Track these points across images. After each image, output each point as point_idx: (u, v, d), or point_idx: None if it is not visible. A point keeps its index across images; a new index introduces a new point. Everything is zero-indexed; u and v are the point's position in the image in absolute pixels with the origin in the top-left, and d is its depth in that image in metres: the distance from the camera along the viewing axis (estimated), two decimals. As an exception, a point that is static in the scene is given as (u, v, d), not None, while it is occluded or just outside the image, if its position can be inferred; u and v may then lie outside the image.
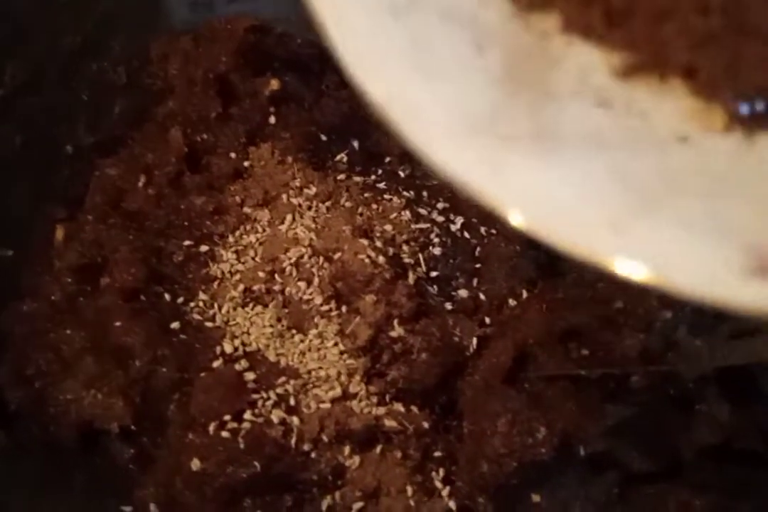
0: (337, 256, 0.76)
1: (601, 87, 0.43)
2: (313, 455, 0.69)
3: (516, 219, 0.39)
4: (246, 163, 0.86)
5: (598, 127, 0.42)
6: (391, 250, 0.78)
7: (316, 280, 0.75)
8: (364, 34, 0.43)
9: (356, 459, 0.70)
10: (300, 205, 0.82)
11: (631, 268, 0.37)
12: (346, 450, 0.70)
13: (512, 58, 0.44)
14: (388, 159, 0.94)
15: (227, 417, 0.69)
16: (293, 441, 0.69)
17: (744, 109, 0.41)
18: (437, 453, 0.71)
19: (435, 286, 0.80)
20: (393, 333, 0.73)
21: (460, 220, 0.86)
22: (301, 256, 0.77)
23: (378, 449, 0.70)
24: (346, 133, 0.92)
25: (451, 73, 0.43)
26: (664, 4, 0.43)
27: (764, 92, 0.41)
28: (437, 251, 0.83)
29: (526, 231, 0.38)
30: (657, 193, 0.40)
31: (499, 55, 0.44)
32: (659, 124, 0.42)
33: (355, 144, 0.92)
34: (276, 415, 0.69)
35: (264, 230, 0.81)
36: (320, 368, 0.72)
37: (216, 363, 0.72)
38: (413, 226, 0.84)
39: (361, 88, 0.41)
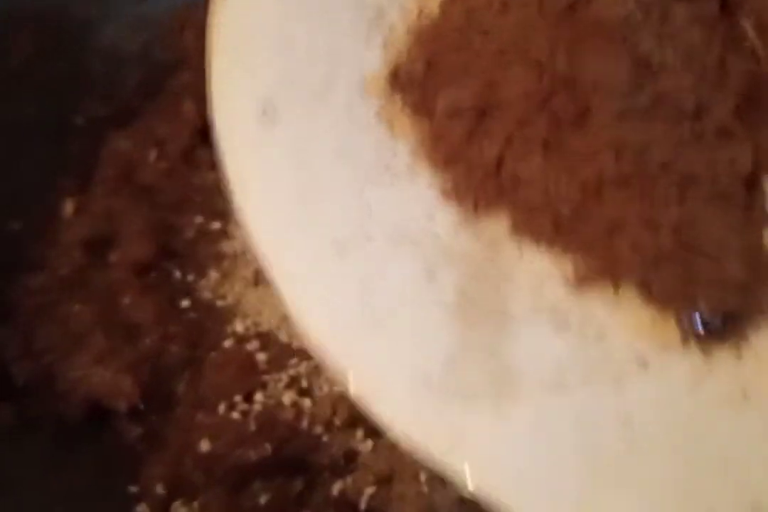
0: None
1: (555, 303, 0.42)
2: (325, 438, 0.68)
3: (470, 485, 0.39)
4: (260, 139, 0.84)
5: (558, 361, 0.41)
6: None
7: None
8: (310, 288, 0.42)
9: (369, 443, 0.68)
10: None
11: None
12: (359, 434, 0.68)
13: (464, 279, 0.42)
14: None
15: (238, 398, 0.68)
16: (305, 423, 0.67)
17: (698, 324, 0.41)
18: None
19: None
20: (409, 316, 0.71)
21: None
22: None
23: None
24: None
25: (404, 314, 0.42)
26: (613, 216, 0.41)
27: (717, 310, 0.41)
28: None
29: (479, 496, 0.39)
30: (618, 460, 0.39)
31: (450, 277, 0.42)
32: (617, 347, 0.41)
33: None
34: (288, 397, 0.68)
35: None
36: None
37: (227, 343, 0.71)
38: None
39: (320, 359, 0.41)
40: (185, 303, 0.73)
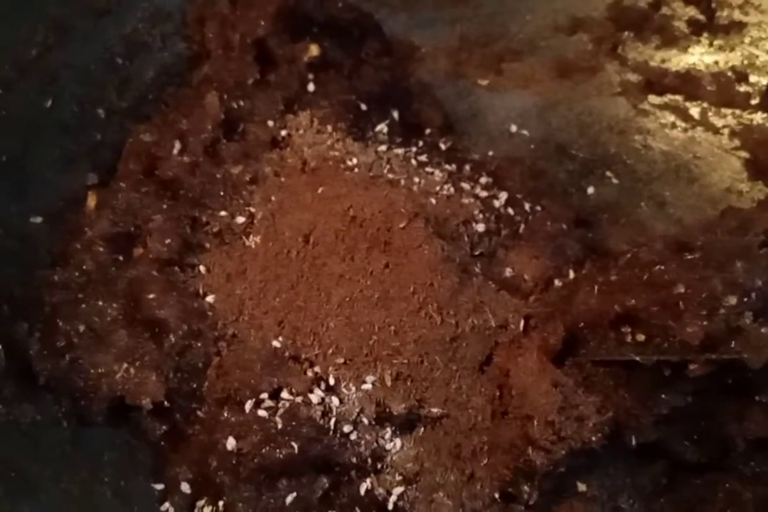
0: (379, 229, 0.73)
1: None
2: (352, 437, 0.67)
3: None
4: (283, 132, 0.82)
5: None
6: (435, 226, 0.75)
7: (358, 254, 0.72)
8: None
9: (397, 442, 0.67)
10: (340, 176, 0.78)
11: None
12: (387, 432, 0.67)
13: None
14: (428, 130, 0.90)
15: (264, 396, 0.67)
16: (332, 422, 0.66)
17: None
18: (481, 438, 0.68)
19: (478, 264, 0.77)
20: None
21: (503, 196, 0.83)
22: (342, 229, 0.73)
23: (420, 432, 0.68)
24: (386, 103, 0.89)
25: None
26: None
27: None
28: (480, 228, 0.79)
29: None
30: None
31: None
32: None
33: (395, 114, 0.88)
34: (315, 395, 0.67)
35: (302, 201, 0.77)
36: (362, 348, 0.69)
37: (254, 340, 0.70)
38: (456, 201, 0.80)
39: None
40: (210, 299, 0.72)
